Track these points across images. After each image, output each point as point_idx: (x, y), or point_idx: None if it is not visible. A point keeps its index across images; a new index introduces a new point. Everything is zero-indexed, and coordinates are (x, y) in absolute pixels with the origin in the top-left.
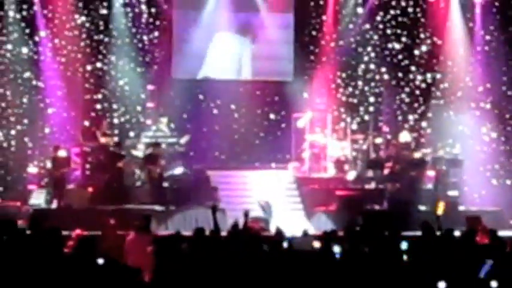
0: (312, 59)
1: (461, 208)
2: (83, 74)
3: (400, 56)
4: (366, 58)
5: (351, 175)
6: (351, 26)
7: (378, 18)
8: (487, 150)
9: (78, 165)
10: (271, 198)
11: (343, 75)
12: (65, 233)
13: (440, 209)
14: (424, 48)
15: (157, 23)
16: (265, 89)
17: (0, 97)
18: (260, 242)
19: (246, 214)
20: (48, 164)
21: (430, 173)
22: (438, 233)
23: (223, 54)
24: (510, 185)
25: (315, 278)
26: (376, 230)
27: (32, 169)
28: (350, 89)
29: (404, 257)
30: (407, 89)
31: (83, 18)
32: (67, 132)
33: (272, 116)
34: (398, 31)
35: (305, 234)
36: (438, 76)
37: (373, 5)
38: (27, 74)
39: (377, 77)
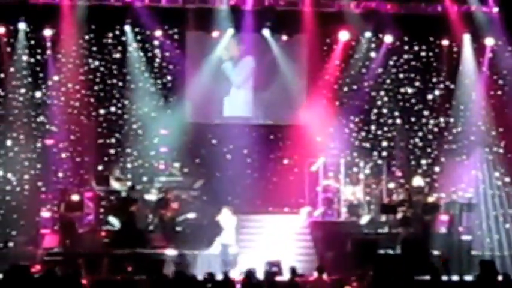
0: (325, 104)
1: (474, 253)
2: (96, 118)
3: (413, 100)
4: (378, 102)
5: (364, 219)
6: (363, 70)
7: (391, 62)
8: (500, 194)
9: (91, 209)
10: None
11: (356, 119)
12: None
13: None
14: (437, 92)
15: (171, 67)
16: (278, 133)
17: (13, 141)
18: None
19: (294, 271)
20: (61, 208)
21: (444, 217)
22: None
23: (236, 99)
24: None
25: None
26: (389, 275)
27: (45, 213)
28: (363, 134)
29: None
30: (420, 133)
31: (97, 62)
32: (80, 176)
33: (285, 161)
34: (411, 75)
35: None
36: (451, 120)
37: (386, 49)
38: (40, 118)
39: (390, 121)
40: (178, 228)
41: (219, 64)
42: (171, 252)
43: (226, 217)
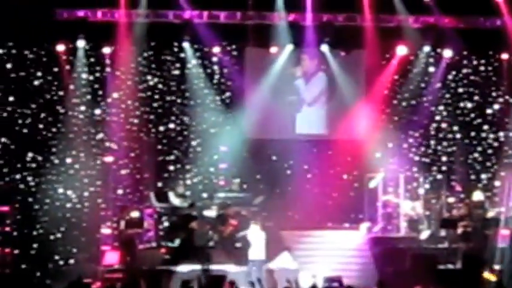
0: (384, 118)
1: None
2: (156, 135)
3: (472, 115)
4: (438, 117)
5: (424, 234)
6: (422, 85)
7: (450, 77)
8: None
9: (151, 226)
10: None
11: (416, 134)
12: None
13: None
14: (496, 106)
15: (229, 83)
16: (337, 148)
17: (73, 158)
18: None
19: None
20: (122, 225)
21: (504, 231)
22: None
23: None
24: None
25: None
26: None
27: (105, 230)
28: (422, 149)
29: None
30: (479, 148)
31: (156, 79)
32: (140, 193)
33: (345, 176)
34: (471, 90)
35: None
36: (510, 134)
37: (445, 64)
38: (99, 136)
39: (449, 135)
40: (237, 245)
41: (281, 80)
42: (230, 268)
43: (255, 232)
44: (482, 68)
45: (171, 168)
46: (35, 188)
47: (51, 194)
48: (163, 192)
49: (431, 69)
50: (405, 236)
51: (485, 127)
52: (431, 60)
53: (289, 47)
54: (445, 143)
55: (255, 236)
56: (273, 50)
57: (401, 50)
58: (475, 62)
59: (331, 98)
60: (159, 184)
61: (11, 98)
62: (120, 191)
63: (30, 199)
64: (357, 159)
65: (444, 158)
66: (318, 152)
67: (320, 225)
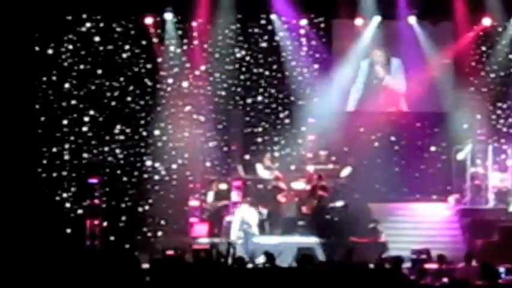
0: (472, 90)
1: None
2: (244, 107)
3: None
4: None
5: None
6: (511, 56)
7: None
8: None
9: (239, 198)
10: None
11: (504, 106)
12: None
13: None
14: None
15: (317, 55)
16: (425, 120)
17: (161, 131)
18: None
19: (442, 258)
20: (209, 197)
21: None
22: None
23: (381, 86)
24: None
25: None
26: None
27: (193, 202)
28: (511, 120)
29: None
30: None
31: (243, 52)
32: (228, 165)
33: (432, 148)
34: None
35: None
36: None
37: None
38: (187, 108)
39: None
40: (327, 217)
41: (367, 55)
42: (318, 240)
43: (245, 210)
44: None
45: (259, 140)
46: (123, 161)
47: (139, 166)
48: (251, 164)
49: None
50: (494, 208)
51: None
52: None
53: (377, 19)
54: None
55: (246, 213)
56: (359, 22)
57: (488, 21)
58: None
59: (420, 70)
60: (247, 156)
61: (99, 71)
62: (208, 164)
63: (118, 171)
64: (444, 131)
65: None
66: (405, 124)
67: (408, 198)
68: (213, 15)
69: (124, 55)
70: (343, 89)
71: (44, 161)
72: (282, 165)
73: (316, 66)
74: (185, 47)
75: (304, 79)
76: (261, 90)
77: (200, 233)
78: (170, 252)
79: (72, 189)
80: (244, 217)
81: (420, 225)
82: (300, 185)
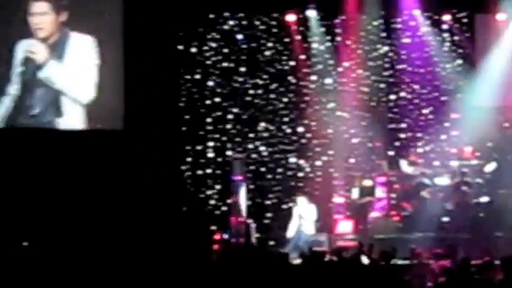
0: None
1: None
2: (387, 103)
3: None
4: None
5: None
6: None
7: None
8: None
9: (383, 194)
10: None
11: None
12: None
13: None
14: None
15: (460, 51)
16: None
17: (305, 128)
18: None
19: None
20: (354, 194)
21: None
22: None
23: None
24: None
25: None
26: None
27: (338, 199)
28: None
29: None
30: None
31: (386, 48)
32: (372, 161)
33: None
34: None
35: None
36: None
37: None
38: (331, 105)
39: None
40: (471, 213)
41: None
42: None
43: (302, 206)
44: None
45: (402, 136)
46: (268, 158)
47: (283, 163)
48: (395, 160)
49: None
50: None
51: None
52: None
53: None
54: None
55: (303, 209)
56: (502, 16)
57: None
58: None
59: None
60: (391, 152)
61: (242, 69)
62: (352, 160)
63: (262, 169)
64: None
65: None
66: None
67: None
68: (357, 11)
69: (267, 52)
70: (488, 84)
71: (188, 159)
72: (425, 161)
73: (459, 61)
74: (328, 44)
75: (448, 74)
76: (404, 86)
77: (345, 230)
78: (317, 249)
79: (217, 186)
80: (301, 213)
81: None
82: (444, 180)
